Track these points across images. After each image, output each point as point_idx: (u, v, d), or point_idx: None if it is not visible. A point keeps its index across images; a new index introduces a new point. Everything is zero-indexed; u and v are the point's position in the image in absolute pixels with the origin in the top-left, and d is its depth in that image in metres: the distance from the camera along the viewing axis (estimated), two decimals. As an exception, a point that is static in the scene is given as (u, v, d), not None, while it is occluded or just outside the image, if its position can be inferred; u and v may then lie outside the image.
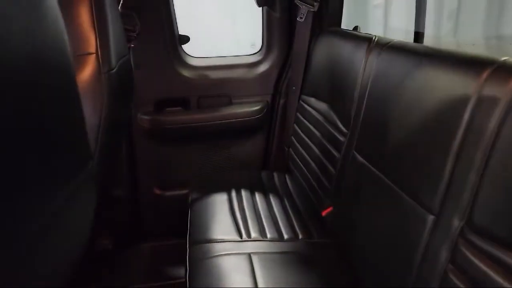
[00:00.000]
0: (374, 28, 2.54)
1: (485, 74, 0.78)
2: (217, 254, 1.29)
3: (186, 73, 1.87)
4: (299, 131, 1.76)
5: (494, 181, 0.72)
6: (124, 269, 1.84)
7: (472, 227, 0.76)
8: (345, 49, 1.43)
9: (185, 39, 1.89)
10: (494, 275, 0.69)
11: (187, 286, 1.21)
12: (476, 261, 0.73)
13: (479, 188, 0.75)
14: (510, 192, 0.69)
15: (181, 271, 1.78)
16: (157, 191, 1.96)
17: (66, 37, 0.49)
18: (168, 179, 1.96)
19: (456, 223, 0.79)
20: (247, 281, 1.16)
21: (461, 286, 0.75)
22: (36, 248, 0.46)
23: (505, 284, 0.67)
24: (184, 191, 1.90)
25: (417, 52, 1.04)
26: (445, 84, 0.87)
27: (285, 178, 1.84)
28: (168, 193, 1.96)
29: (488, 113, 0.75)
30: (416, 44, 1.16)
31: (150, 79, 1.82)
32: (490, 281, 0.70)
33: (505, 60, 0.79)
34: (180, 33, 1.88)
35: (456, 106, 0.82)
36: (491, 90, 0.76)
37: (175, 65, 1.86)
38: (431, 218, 0.86)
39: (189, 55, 1.91)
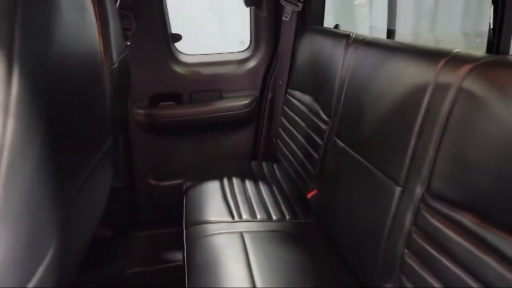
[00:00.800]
0: (358, 26, 2.68)
1: (440, 64, 0.91)
2: (211, 233, 1.41)
3: (178, 69, 1.98)
4: (286, 122, 1.89)
5: (447, 153, 0.86)
6: (123, 255, 1.94)
7: (431, 193, 0.89)
8: (326, 45, 1.56)
9: (177, 37, 2.00)
10: (449, 232, 0.83)
11: (185, 262, 1.33)
12: (434, 222, 0.86)
13: (436, 160, 0.88)
14: (459, 162, 0.82)
15: (177, 256, 1.89)
16: (153, 182, 2.06)
17: (97, 37, 0.60)
18: (162, 170, 2.07)
19: (418, 191, 0.93)
20: (240, 255, 1.28)
21: (422, 243, 0.89)
22: (69, 212, 0.56)
23: (458, 238, 0.80)
24: (178, 181, 2.01)
25: (387, 47, 1.18)
26: (409, 74, 1.01)
27: (273, 167, 1.97)
28: (163, 183, 2.07)
29: (442, 97, 0.89)
30: (387, 40, 1.29)
31: (145, 75, 1.92)
32: (446, 237, 0.83)
33: (457, 51, 0.92)
34: (172, 31, 1.99)
35: (417, 92, 0.96)
36: (445, 77, 0.89)
37: (168, 62, 1.97)
38: (398, 189, 0.99)
39: (181, 53, 2.02)
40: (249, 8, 2.00)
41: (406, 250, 0.95)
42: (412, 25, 2.16)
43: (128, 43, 1.67)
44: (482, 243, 0.74)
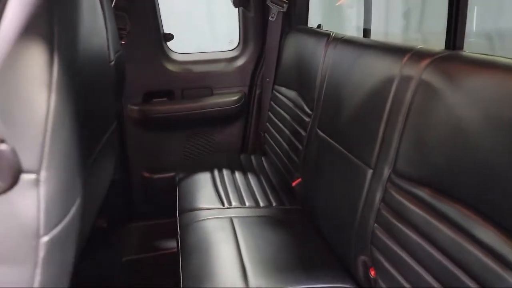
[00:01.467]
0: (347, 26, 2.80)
1: (405, 59, 1.03)
2: (203, 218, 1.52)
3: (171, 67, 2.09)
4: (273, 117, 2.00)
5: (409, 137, 0.98)
6: (119, 244, 2.03)
7: (396, 173, 1.01)
8: (309, 44, 1.68)
9: (169, 37, 2.10)
10: (410, 205, 0.94)
11: (178, 245, 1.43)
12: (399, 197, 0.98)
13: (400, 144, 1.00)
14: (419, 144, 0.94)
15: (171, 244, 1.99)
16: (146, 174, 2.16)
17: (105, 35, 0.70)
18: (156, 163, 2.16)
19: (386, 171, 1.05)
20: (229, 237, 1.39)
21: (389, 217, 1.01)
22: (87, 178, 0.65)
23: (417, 210, 0.92)
24: (171, 174, 2.11)
25: (361, 44, 1.30)
26: (378, 68, 1.13)
27: (262, 160, 2.08)
28: (156, 176, 2.17)
29: (406, 88, 1.01)
30: (362, 38, 1.41)
31: (139, 73, 2.02)
32: (408, 210, 0.95)
33: (419, 48, 1.04)
34: (164, 31, 2.09)
35: (385, 84, 1.08)
36: (408, 70, 1.01)
37: (161, 60, 2.07)
38: (370, 171, 1.11)
39: (173, 51, 2.12)
40: (237, 9, 2.11)
41: (376, 225, 1.06)
42: (399, 25, 2.29)
43: (123, 42, 1.77)
44: (437, 212, 0.86)
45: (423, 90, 0.95)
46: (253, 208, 1.62)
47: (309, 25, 2.02)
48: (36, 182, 0.39)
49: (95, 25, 0.62)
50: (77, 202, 0.47)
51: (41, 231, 0.39)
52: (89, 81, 0.55)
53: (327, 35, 1.55)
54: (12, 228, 0.37)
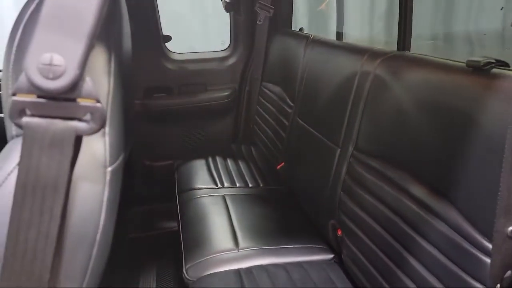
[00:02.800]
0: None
1: (364, 58, 1.28)
2: (199, 196, 1.75)
3: (169, 65, 2.31)
4: (261, 110, 2.24)
5: (367, 121, 1.22)
6: (124, 223, 2.25)
7: (357, 149, 1.25)
8: (291, 45, 1.92)
9: (168, 38, 2.32)
10: (367, 174, 1.19)
11: (178, 217, 1.66)
12: (359, 169, 1.23)
13: (360, 126, 1.25)
14: (374, 125, 1.19)
15: (170, 224, 2.21)
16: (147, 162, 2.38)
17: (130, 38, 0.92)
18: (155, 152, 2.38)
19: (350, 149, 1.29)
20: (222, 210, 1.62)
21: (352, 185, 1.25)
22: None
23: (373, 178, 1.16)
24: (169, 162, 2.34)
25: (333, 45, 1.54)
26: (345, 65, 1.37)
27: (251, 149, 2.31)
28: (156, 164, 2.39)
29: (365, 81, 1.25)
30: (334, 40, 1.66)
31: (140, 71, 2.24)
32: (365, 178, 1.19)
33: (376, 49, 1.29)
34: (163, 33, 2.31)
35: (350, 78, 1.32)
36: (366, 67, 1.26)
37: (160, 59, 2.29)
38: (338, 150, 1.35)
39: (171, 51, 2.35)
40: (229, 13, 2.34)
41: (342, 193, 1.31)
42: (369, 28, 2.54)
43: (127, 43, 1.99)
44: (384, 177, 1.11)
45: (377, 83, 1.19)
46: (242, 188, 1.86)
47: (293, 28, 2.27)
48: (103, 133, 0.62)
49: (127, 30, 0.85)
50: (123, 153, 0.71)
51: (107, 163, 0.62)
52: (127, 72, 0.78)
53: (306, 37, 1.79)
54: (92, 159, 0.60)
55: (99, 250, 0.64)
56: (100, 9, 0.49)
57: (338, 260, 1.36)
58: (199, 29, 2.64)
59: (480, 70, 0.83)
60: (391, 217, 1.06)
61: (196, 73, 2.36)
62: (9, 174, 0.57)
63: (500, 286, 0.71)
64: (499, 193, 0.66)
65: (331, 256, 1.38)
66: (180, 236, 1.54)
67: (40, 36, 0.48)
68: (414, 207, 0.99)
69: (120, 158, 0.68)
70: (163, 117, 2.34)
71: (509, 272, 0.71)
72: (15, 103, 0.49)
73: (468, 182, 0.82)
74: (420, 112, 1.01)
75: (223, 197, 1.74)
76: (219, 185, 1.86)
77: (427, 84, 1.00)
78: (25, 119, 0.50)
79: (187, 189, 1.83)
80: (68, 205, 0.55)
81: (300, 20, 3.11)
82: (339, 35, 1.79)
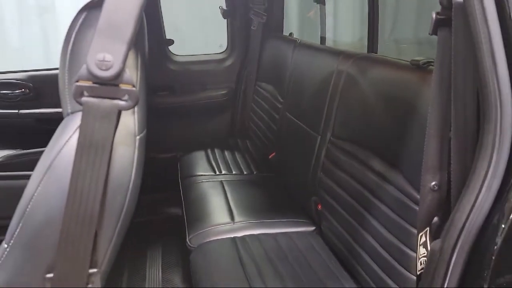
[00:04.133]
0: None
1: (339, 59, 1.52)
2: (200, 181, 1.98)
3: (172, 66, 2.55)
4: (255, 107, 2.48)
5: (341, 112, 1.46)
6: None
7: (334, 136, 1.49)
8: (282, 48, 2.16)
9: (170, 42, 2.56)
10: (341, 156, 1.42)
11: (182, 199, 1.89)
12: (335, 152, 1.46)
13: (336, 116, 1.48)
14: (346, 114, 1.42)
15: (175, 210, 2.42)
16: (151, 155, 2.61)
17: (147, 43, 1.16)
18: (160, 145, 2.61)
19: (328, 135, 1.53)
20: (220, 192, 1.85)
21: (330, 166, 1.48)
22: None
23: (345, 158, 1.39)
24: (172, 154, 2.56)
25: (315, 48, 1.78)
26: (324, 65, 1.61)
27: (246, 142, 2.55)
28: (160, 156, 2.61)
29: (339, 78, 1.49)
30: (317, 44, 1.90)
31: (146, 71, 2.47)
32: (340, 159, 1.42)
33: (349, 51, 1.53)
34: (167, 37, 2.55)
35: (328, 76, 1.56)
36: (341, 66, 1.49)
37: (164, 61, 2.53)
38: (318, 137, 1.59)
39: (173, 54, 2.59)
40: (226, 19, 2.59)
41: (321, 173, 1.54)
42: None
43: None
44: (353, 156, 1.34)
45: (348, 80, 1.43)
46: (238, 174, 2.09)
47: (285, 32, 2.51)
48: (133, 111, 0.85)
49: (145, 36, 1.09)
50: (145, 128, 0.94)
51: (136, 133, 0.85)
52: (146, 67, 1.02)
53: (294, 41, 2.03)
54: (126, 129, 0.83)
55: (131, 196, 0.87)
56: (136, 22, 0.72)
57: (319, 231, 1.59)
58: (199, 34, 2.88)
59: (420, 68, 1.06)
60: (360, 189, 1.29)
61: (196, 74, 2.59)
62: (68, 140, 0.80)
63: (429, 229, 0.94)
64: (424, 156, 0.89)
65: (313, 228, 1.61)
66: (184, 213, 1.77)
67: (97, 41, 0.71)
68: (375, 178, 1.22)
69: (144, 132, 0.92)
70: (166, 114, 2.57)
71: (435, 219, 0.93)
72: (77, 87, 0.73)
73: (410, 153, 1.05)
74: (380, 102, 1.24)
75: (221, 182, 1.97)
76: (217, 172, 2.09)
77: (384, 80, 1.23)
78: (84, 99, 0.73)
79: (189, 175, 2.07)
80: (110, 160, 0.78)
81: (294, 24, 3.35)
82: (322, 39, 2.04)
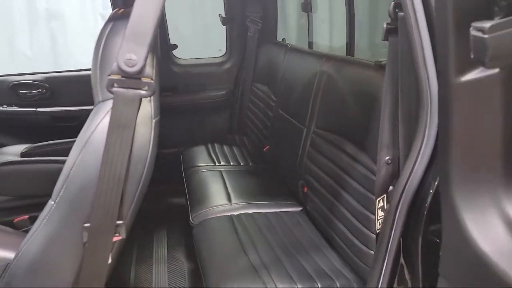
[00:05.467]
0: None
1: (322, 61, 1.76)
2: (201, 171, 2.22)
3: (175, 69, 2.78)
4: (251, 106, 2.71)
5: (323, 106, 1.69)
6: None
7: (317, 127, 1.72)
8: (275, 52, 2.40)
9: (174, 46, 2.80)
10: (323, 143, 1.65)
11: (185, 187, 2.12)
12: (318, 140, 1.69)
13: (319, 110, 1.72)
14: (326, 108, 1.66)
15: (179, 200, 2.63)
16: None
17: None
18: (163, 141, 2.82)
19: (313, 127, 1.76)
20: (219, 180, 2.09)
21: (314, 153, 1.72)
22: None
23: (325, 145, 1.63)
24: (176, 149, 2.79)
25: (303, 52, 2.02)
26: (310, 67, 1.85)
27: (243, 138, 2.78)
28: (164, 151, 2.83)
29: (322, 78, 1.72)
30: (305, 48, 2.14)
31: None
32: (322, 146, 1.66)
33: (331, 54, 1.77)
34: (171, 42, 2.79)
35: (313, 76, 1.79)
36: (323, 68, 1.73)
37: (168, 64, 2.77)
38: (305, 129, 1.82)
39: (177, 57, 2.82)
40: (225, 26, 2.83)
41: (307, 160, 1.77)
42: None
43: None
44: (332, 143, 1.57)
45: (329, 79, 1.67)
46: (236, 165, 2.32)
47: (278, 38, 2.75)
48: (150, 100, 1.08)
49: (157, 39, 1.33)
50: (159, 115, 1.18)
51: (152, 117, 1.08)
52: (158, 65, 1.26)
53: (285, 45, 2.27)
54: (145, 113, 1.06)
55: (149, 166, 1.10)
56: (155, 31, 0.96)
57: (305, 211, 1.82)
58: (201, 39, 3.12)
59: (382, 67, 1.30)
60: (336, 170, 1.53)
61: (197, 76, 2.83)
62: (100, 121, 1.03)
63: (386, 196, 1.17)
64: (379, 137, 1.12)
65: (300, 208, 1.84)
66: (187, 197, 2.00)
67: (125, 45, 0.94)
68: (348, 160, 1.45)
69: (158, 117, 1.15)
70: (170, 112, 2.80)
71: (390, 187, 1.16)
72: (109, 80, 0.96)
73: (373, 137, 1.29)
74: (351, 97, 1.48)
75: (220, 171, 2.21)
76: (217, 163, 2.32)
77: (355, 78, 1.47)
78: (115, 89, 0.96)
79: (191, 166, 2.30)
80: (133, 137, 1.01)
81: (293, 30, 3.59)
82: (310, 44, 2.28)
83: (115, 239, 1.04)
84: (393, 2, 1.05)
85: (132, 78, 0.96)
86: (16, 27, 3.08)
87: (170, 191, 2.73)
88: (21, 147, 2.12)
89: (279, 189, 2.02)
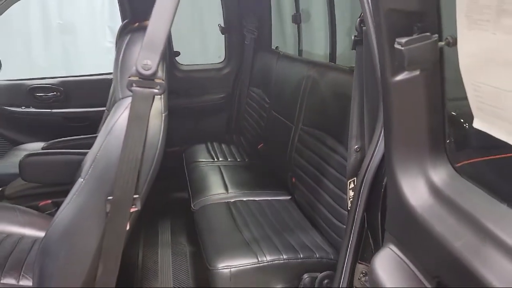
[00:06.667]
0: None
1: (309, 67, 2.00)
2: (201, 166, 2.46)
3: (178, 74, 3.03)
4: (248, 108, 2.95)
5: (308, 107, 1.94)
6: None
7: (303, 124, 1.96)
8: (268, 59, 2.65)
9: (177, 53, 3.04)
10: (308, 138, 1.89)
11: (187, 181, 2.35)
12: (304, 136, 1.93)
13: (305, 110, 1.96)
14: (310, 109, 1.90)
15: (183, 195, 2.86)
16: (160, 148, 3.08)
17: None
18: (167, 141, 3.06)
19: (300, 125, 2.00)
20: (217, 172, 2.33)
21: (300, 146, 1.95)
22: None
23: (310, 139, 1.87)
24: (178, 148, 3.03)
25: (292, 59, 2.27)
26: (298, 72, 2.10)
27: (240, 138, 3.02)
28: (168, 149, 3.06)
29: (309, 82, 1.97)
30: (296, 55, 2.39)
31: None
32: (307, 140, 1.90)
33: (316, 60, 2.01)
34: (174, 49, 3.04)
35: (300, 80, 2.04)
36: (310, 73, 1.98)
37: (171, 70, 3.01)
38: (293, 127, 2.07)
39: (179, 63, 3.07)
40: (224, 35, 3.08)
41: (295, 154, 2.01)
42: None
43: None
44: (317, 138, 1.81)
45: (313, 83, 1.92)
46: (233, 161, 2.56)
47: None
48: (161, 97, 1.32)
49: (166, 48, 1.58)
50: (167, 111, 1.42)
51: (162, 111, 1.32)
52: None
53: (277, 53, 2.53)
54: (156, 108, 1.30)
55: (159, 151, 1.34)
56: (166, 41, 1.20)
57: (294, 199, 2.05)
58: (202, 47, 3.38)
59: (355, 72, 1.54)
60: (319, 161, 1.77)
61: (198, 80, 3.08)
62: (121, 114, 1.27)
63: (356, 178, 1.41)
64: (349, 129, 1.36)
65: (289, 197, 2.08)
66: (188, 188, 2.24)
67: (142, 53, 1.18)
68: (328, 151, 1.69)
69: (166, 112, 1.40)
70: (173, 114, 3.02)
71: (360, 171, 1.40)
72: (129, 80, 1.20)
73: (347, 131, 1.53)
74: (331, 97, 1.73)
75: (218, 166, 2.45)
76: (216, 159, 2.56)
77: (334, 81, 1.72)
78: (133, 88, 1.20)
79: (192, 161, 2.54)
80: (147, 128, 1.25)
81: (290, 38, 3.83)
82: (300, 51, 2.53)
83: (132, 210, 1.27)
84: (358, 18, 1.30)
85: (147, 79, 1.20)
86: (32, 40, 3.36)
87: (174, 186, 2.95)
88: (39, 144, 2.36)
89: (271, 181, 2.25)
